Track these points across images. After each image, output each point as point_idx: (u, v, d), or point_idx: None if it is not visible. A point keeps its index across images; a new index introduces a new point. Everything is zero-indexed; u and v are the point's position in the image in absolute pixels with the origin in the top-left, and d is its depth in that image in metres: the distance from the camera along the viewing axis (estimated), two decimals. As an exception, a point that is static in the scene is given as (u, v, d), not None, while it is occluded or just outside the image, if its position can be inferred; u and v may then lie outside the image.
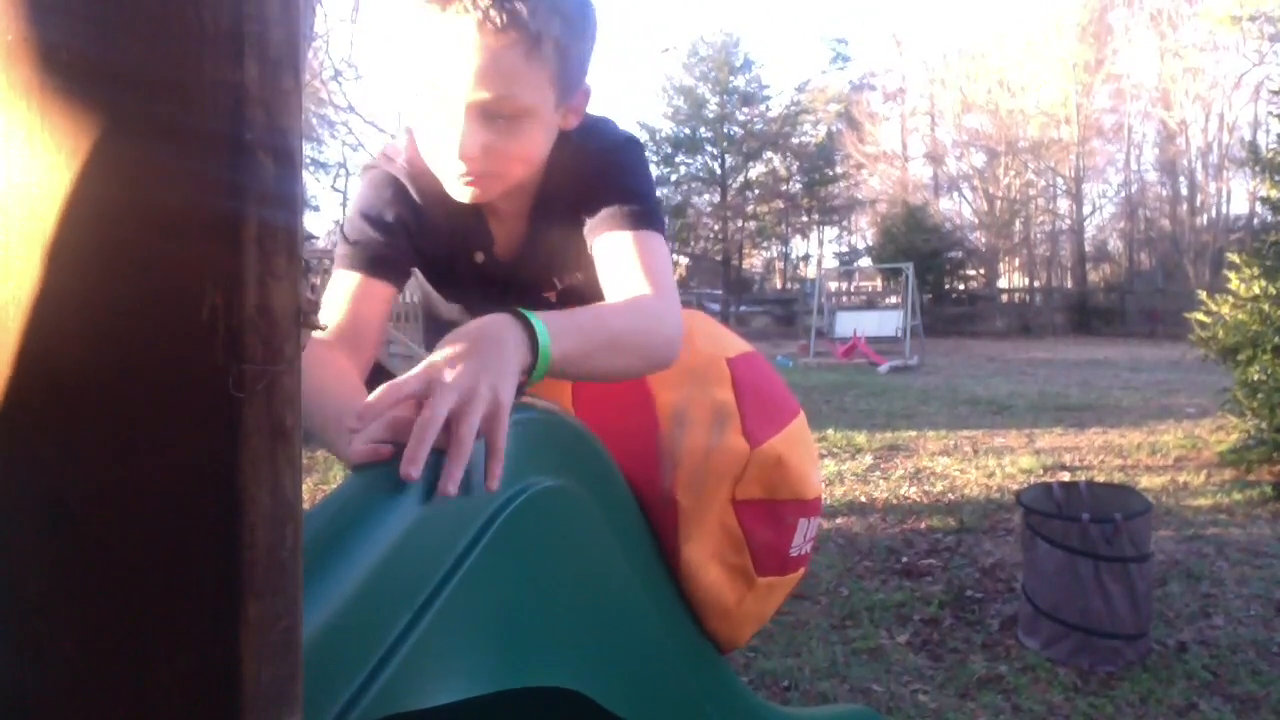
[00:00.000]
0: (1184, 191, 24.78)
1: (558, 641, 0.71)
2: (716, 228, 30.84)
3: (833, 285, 20.05)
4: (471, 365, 0.66)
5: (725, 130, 29.83)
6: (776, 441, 0.96)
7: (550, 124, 0.97)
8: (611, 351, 0.84)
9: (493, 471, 0.63)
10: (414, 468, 0.58)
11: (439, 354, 0.68)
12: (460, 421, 0.62)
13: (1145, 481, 4.29)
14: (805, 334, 14.66)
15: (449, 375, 0.65)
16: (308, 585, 0.44)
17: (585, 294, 1.08)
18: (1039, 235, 27.45)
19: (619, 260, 0.97)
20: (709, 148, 30.13)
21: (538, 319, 0.74)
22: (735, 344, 1.04)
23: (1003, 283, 26.62)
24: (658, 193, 1.11)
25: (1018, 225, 26.42)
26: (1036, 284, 25.98)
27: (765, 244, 33.83)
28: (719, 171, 30.18)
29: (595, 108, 1.04)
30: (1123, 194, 26.92)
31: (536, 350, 0.73)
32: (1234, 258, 4.78)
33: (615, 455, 0.87)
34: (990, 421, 6.43)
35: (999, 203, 25.81)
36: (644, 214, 1.00)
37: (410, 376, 0.66)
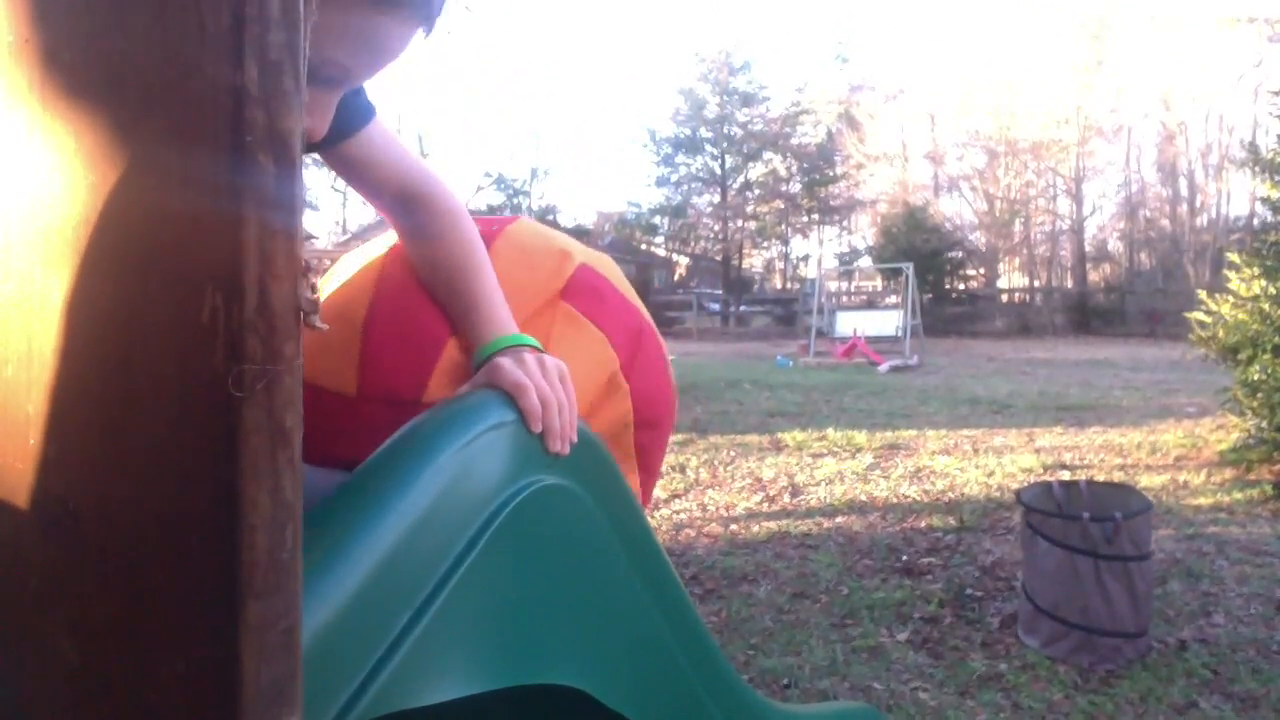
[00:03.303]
0: (1184, 192, 24.75)
1: (558, 638, 0.71)
2: (716, 228, 30.83)
3: (832, 285, 20.05)
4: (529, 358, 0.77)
5: (725, 131, 29.83)
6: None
7: None
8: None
9: (571, 422, 0.75)
10: (563, 441, 0.73)
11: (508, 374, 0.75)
12: (551, 388, 0.74)
13: (1145, 480, 4.29)
14: (805, 334, 14.66)
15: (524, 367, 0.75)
16: (307, 584, 0.44)
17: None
18: (1039, 235, 27.39)
19: (384, 173, 0.93)
20: (709, 148, 30.13)
21: (517, 338, 0.81)
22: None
23: (1003, 283, 26.58)
24: None
25: (1018, 225, 26.38)
26: (1036, 284, 25.92)
27: (765, 244, 33.83)
28: (719, 172, 30.18)
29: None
30: (1123, 194, 26.90)
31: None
32: (1234, 257, 4.77)
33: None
34: (990, 421, 6.43)
35: (999, 203, 25.78)
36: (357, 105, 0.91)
37: (509, 380, 0.73)
